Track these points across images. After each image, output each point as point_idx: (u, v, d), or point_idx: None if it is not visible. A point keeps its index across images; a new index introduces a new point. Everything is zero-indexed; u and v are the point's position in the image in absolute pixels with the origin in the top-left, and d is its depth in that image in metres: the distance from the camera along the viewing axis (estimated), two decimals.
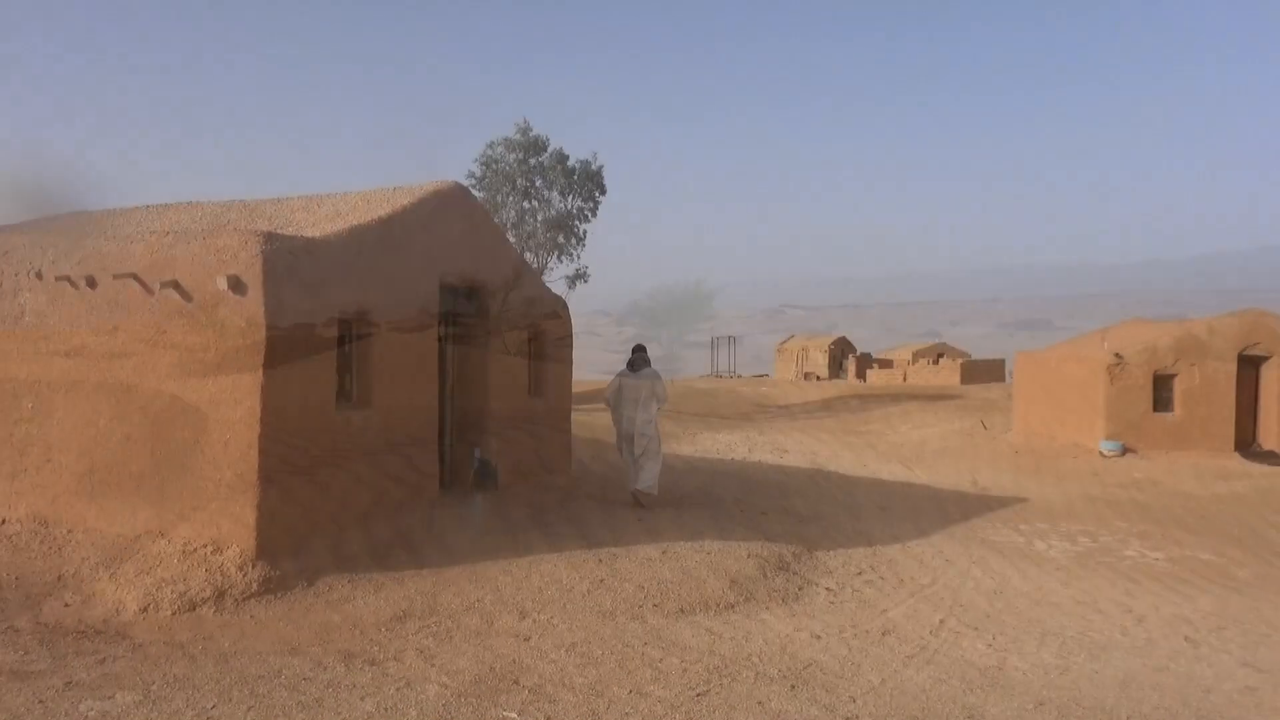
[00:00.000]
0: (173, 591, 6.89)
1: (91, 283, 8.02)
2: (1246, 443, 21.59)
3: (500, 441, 10.98)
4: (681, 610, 7.51)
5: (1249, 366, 21.54)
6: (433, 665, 5.94)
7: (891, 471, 18.62)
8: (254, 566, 7.24)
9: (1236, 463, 19.98)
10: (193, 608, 6.77)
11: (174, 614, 6.68)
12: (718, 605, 7.73)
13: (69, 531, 7.87)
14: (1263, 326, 21.26)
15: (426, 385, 9.69)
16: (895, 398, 37.64)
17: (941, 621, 7.73)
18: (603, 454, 15.80)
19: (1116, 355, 21.00)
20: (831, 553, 9.92)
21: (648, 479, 11.68)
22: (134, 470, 7.81)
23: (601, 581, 7.93)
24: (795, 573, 8.95)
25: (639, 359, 11.89)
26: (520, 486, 11.18)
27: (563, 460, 13.07)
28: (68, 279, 8.11)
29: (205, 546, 7.38)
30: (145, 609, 6.71)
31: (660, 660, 6.26)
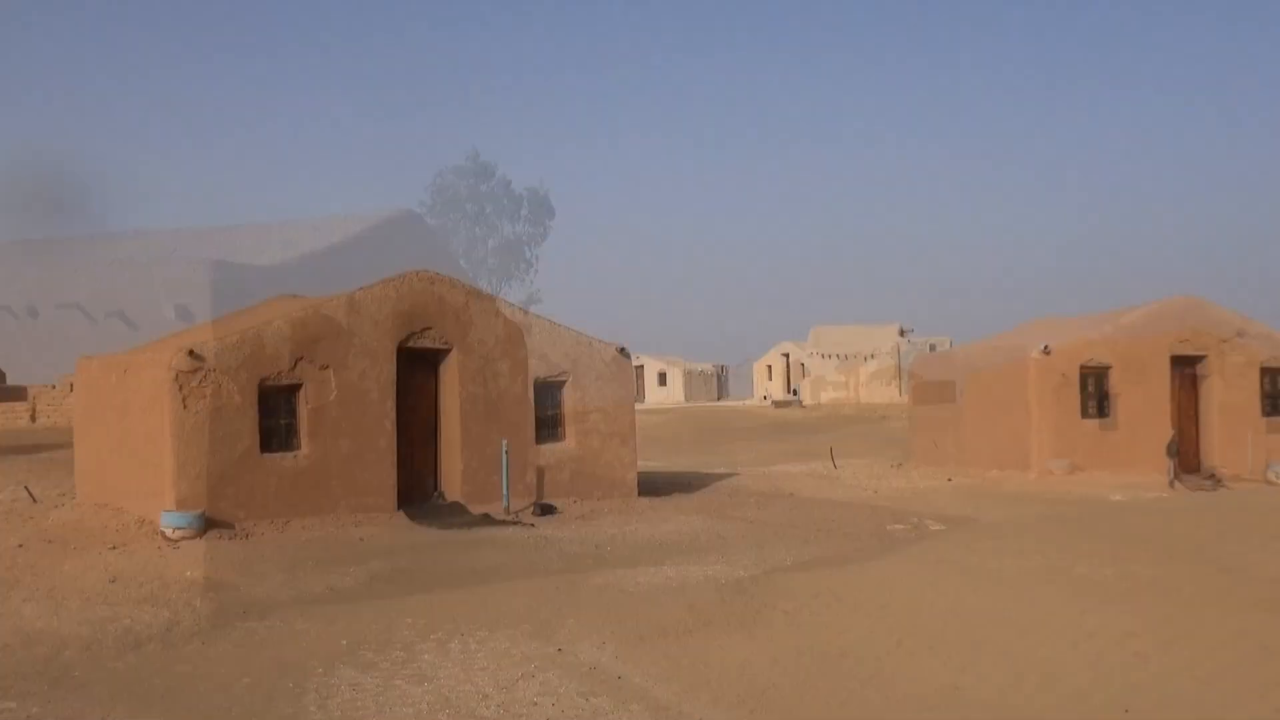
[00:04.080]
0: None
1: None
2: (1189, 459, 21.98)
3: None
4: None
5: (1184, 367, 21.66)
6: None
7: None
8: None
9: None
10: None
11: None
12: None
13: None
14: (1188, 326, 21.45)
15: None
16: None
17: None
18: None
19: (1045, 348, 21.20)
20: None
21: None
22: None
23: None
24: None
25: None
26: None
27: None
28: None
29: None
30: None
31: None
